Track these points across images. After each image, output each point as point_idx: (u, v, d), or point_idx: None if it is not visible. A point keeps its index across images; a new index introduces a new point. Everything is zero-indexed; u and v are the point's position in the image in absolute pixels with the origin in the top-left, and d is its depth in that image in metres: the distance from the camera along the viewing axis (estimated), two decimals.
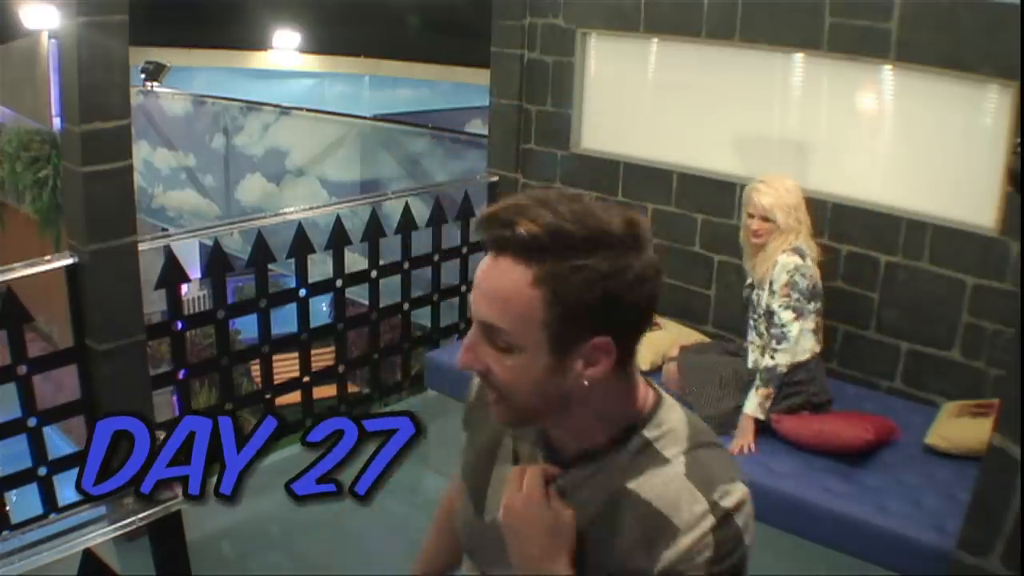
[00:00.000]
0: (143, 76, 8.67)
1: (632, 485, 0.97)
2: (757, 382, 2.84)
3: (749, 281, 3.04)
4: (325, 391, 3.64)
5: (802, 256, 2.85)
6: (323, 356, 3.87)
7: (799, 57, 3.34)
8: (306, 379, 3.50)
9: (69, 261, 2.67)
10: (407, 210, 3.73)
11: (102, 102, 2.57)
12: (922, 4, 2.96)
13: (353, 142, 7.12)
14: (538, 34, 3.95)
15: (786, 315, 2.82)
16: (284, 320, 3.59)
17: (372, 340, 3.73)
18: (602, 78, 3.92)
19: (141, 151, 8.27)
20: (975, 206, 2.99)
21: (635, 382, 1.02)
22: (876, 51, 3.08)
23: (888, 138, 3.27)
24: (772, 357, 2.82)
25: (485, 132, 4.83)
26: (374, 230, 3.60)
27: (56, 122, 8.98)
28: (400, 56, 11.89)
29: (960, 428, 2.79)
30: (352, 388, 3.93)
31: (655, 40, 3.71)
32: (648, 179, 3.76)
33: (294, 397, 3.53)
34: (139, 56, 8.60)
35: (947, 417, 2.90)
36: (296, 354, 3.49)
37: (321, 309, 4.09)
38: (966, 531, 2.15)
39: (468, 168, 6.06)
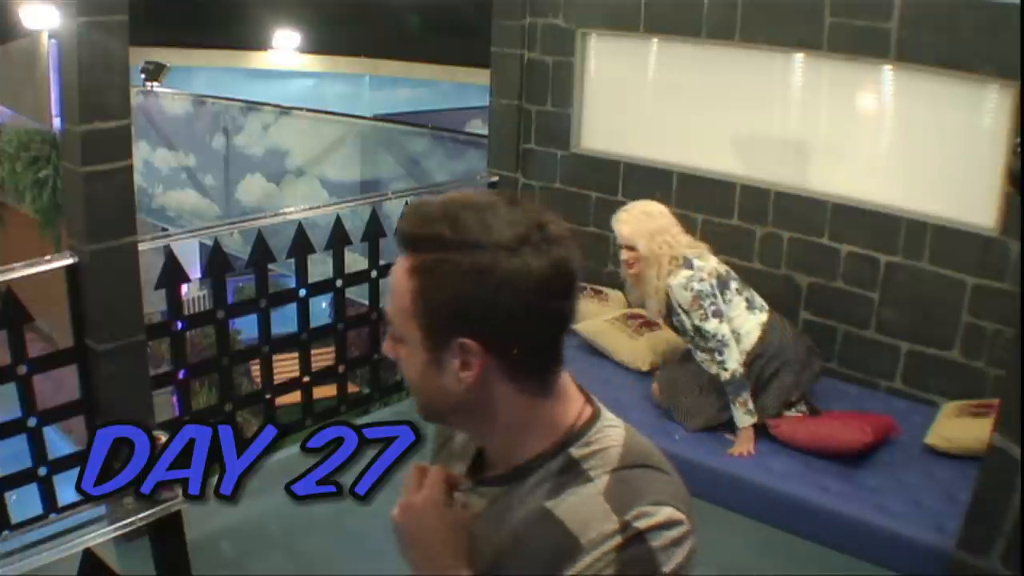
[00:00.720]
0: (143, 76, 8.68)
1: (550, 504, 0.94)
2: (729, 396, 2.84)
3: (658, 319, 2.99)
4: (325, 391, 3.64)
5: (689, 265, 2.84)
6: (323, 356, 3.87)
7: (799, 57, 3.34)
8: (306, 379, 3.50)
9: (69, 261, 2.67)
10: None
11: (102, 102, 2.57)
12: (922, 4, 2.96)
13: (353, 142, 7.13)
14: (538, 34, 3.95)
15: (711, 325, 2.81)
16: (284, 320, 3.59)
17: (372, 340, 3.73)
18: (602, 78, 3.92)
19: (141, 151, 8.27)
20: (975, 206, 2.99)
21: (558, 398, 0.98)
22: (876, 51, 3.08)
23: (888, 138, 3.27)
24: (724, 368, 2.81)
25: (485, 132, 4.83)
26: (374, 230, 3.60)
27: (56, 122, 8.98)
28: (400, 56, 11.88)
29: (960, 428, 2.79)
30: (352, 388, 3.93)
31: (655, 40, 3.71)
32: (648, 179, 3.76)
33: (294, 397, 3.52)
34: (139, 56, 8.60)
35: (947, 417, 2.90)
36: (296, 354, 3.49)
37: (321, 309, 4.08)
38: (966, 531, 2.16)
39: (468, 168, 6.06)
